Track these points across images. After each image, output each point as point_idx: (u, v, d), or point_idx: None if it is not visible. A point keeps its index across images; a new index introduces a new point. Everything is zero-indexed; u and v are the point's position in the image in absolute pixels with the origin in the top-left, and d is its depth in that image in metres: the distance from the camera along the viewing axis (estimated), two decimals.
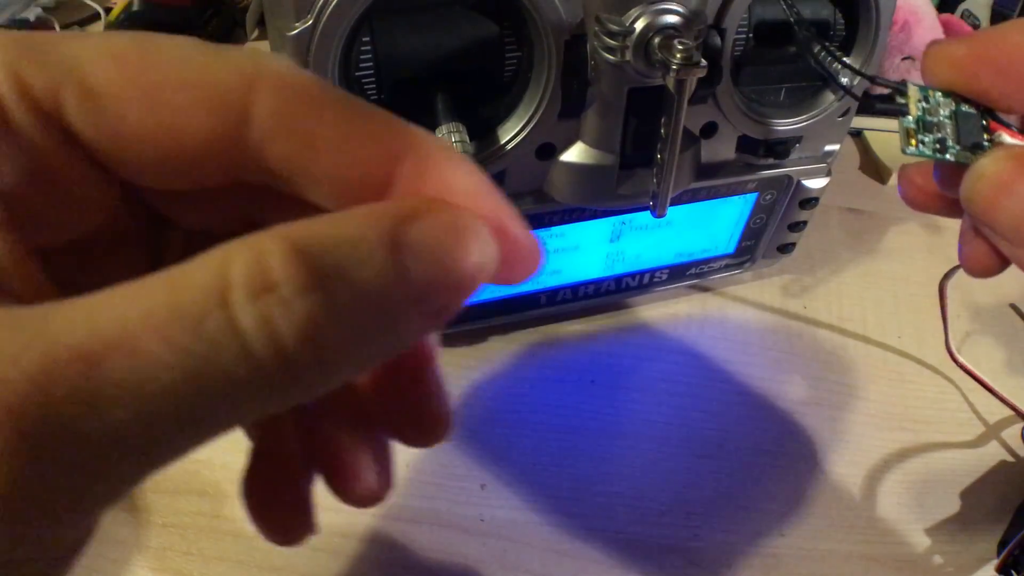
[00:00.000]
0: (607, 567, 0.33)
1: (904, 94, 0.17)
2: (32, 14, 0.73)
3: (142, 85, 0.11)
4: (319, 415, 0.15)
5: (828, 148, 0.39)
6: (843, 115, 0.37)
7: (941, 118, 0.16)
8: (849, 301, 0.46)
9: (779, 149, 0.37)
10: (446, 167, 0.12)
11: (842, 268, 0.49)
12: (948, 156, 0.16)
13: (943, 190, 0.17)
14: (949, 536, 0.35)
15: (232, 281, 0.10)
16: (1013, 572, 0.32)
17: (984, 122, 0.16)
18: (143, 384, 0.09)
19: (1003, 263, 0.17)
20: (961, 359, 0.39)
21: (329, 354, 0.10)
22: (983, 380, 0.39)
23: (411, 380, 0.14)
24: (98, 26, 0.69)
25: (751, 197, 0.40)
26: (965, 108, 0.16)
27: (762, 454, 0.38)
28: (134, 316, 0.10)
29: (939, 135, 0.16)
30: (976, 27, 0.70)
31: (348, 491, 0.15)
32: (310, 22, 0.26)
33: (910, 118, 0.16)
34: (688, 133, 0.34)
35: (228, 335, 0.10)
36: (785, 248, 0.45)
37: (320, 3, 0.26)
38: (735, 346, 0.43)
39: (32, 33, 0.11)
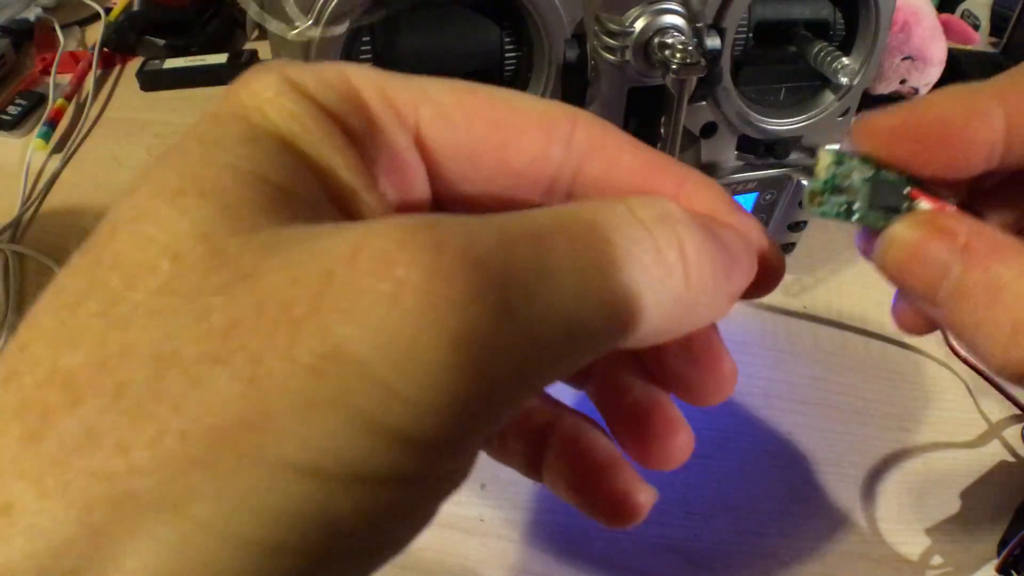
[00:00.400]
0: (607, 567, 0.33)
1: (815, 156, 0.17)
2: (32, 14, 0.73)
3: (486, 108, 0.14)
4: (626, 386, 0.17)
5: (828, 148, 0.39)
6: (843, 115, 0.37)
7: (855, 182, 0.16)
8: (849, 301, 0.46)
9: (779, 149, 0.37)
10: (712, 192, 0.16)
11: (842, 268, 0.49)
12: (853, 219, 0.16)
13: (863, 253, 0.17)
14: (949, 536, 0.35)
15: (634, 207, 0.13)
16: (1013, 572, 0.32)
17: (906, 190, 0.16)
18: (582, 266, 0.11)
19: (932, 324, 0.17)
20: (963, 352, 0.39)
21: (709, 285, 0.13)
22: (984, 372, 0.39)
23: (705, 341, 0.16)
24: (98, 26, 0.69)
25: (751, 197, 0.40)
26: (886, 174, 0.16)
27: (762, 454, 0.38)
28: (566, 215, 0.12)
29: (848, 198, 0.16)
30: (976, 27, 0.70)
31: (661, 450, 0.17)
32: (310, 22, 0.26)
33: (817, 180, 0.17)
34: (688, 133, 0.34)
35: (645, 241, 0.12)
36: (785, 248, 0.45)
37: (320, 3, 0.26)
38: (735, 346, 0.42)
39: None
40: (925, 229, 0.15)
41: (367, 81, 0.14)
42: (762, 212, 0.42)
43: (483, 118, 0.14)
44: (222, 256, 0.10)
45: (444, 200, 0.15)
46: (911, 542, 0.35)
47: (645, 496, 0.17)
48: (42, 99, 0.61)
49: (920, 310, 0.17)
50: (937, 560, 0.35)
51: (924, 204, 0.16)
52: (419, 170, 0.14)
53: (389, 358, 0.10)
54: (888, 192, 0.16)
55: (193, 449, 0.09)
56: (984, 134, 0.16)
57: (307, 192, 0.12)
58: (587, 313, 0.11)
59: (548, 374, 0.12)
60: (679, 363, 0.16)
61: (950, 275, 0.15)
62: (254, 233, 0.11)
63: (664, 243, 0.12)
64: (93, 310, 0.10)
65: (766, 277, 0.16)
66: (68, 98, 0.61)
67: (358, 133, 0.13)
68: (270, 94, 0.12)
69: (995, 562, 0.34)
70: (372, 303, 0.10)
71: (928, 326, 0.17)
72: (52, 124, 0.58)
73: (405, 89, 0.14)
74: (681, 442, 0.17)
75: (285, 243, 0.10)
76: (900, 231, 0.16)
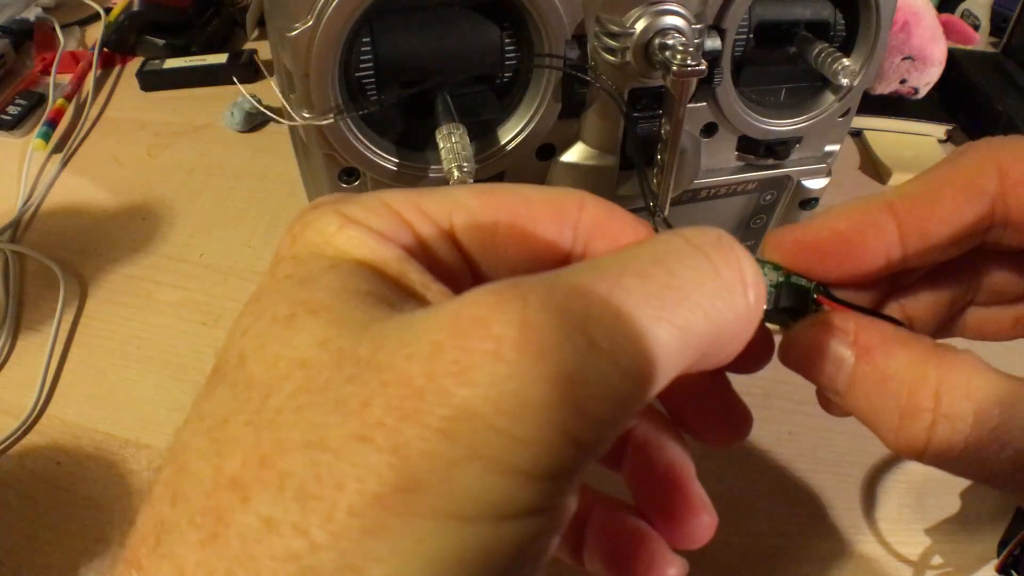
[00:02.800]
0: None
1: None
2: (32, 14, 0.73)
3: (506, 205, 0.16)
4: (654, 463, 0.19)
5: (828, 148, 0.39)
6: (843, 115, 0.37)
7: (767, 287, 0.18)
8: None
9: (779, 149, 0.37)
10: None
11: None
12: None
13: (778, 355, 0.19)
14: (949, 536, 0.35)
15: (689, 237, 0.14)
16: (1013, 572, 0.32)
17: (814, 295, 0.18)
18: (653, 300, 0.13)
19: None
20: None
21: (763, 300, 0.15)
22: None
23: (720, 389, 0.19)
24: (98, 26, 0.69)
25: (751, 197, 0.40)
26: (797, 280, 0.18)
27: (762, 454, 0.38)
28: (629, 257, 0.14)
29: None
30: (976, 27, 0.70)
31: (686, 527, 0.18)
32: (310, 22, 0.26)
33: None
34: (688, 133, 0.34)
35: (704, 265, 0.14)
36: None
37: (320, 3, 0.26)
38: None
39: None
40: (820, 328, 0.17)
41: (404, 202, 0.15)
42: (762, 212, 0.42)
43: (505, 214, 0.16)
44: (342, 353, 0.12)
45: None
46: (911, 542, 0.35)
47: (675, 570, 0.18)
48: (42, 99, 0.61)
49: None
50: (937, 560, 0.35)
51: (826, 309, 0.18)
52: (461, 266, 0.16)
53: (503, 409, 0.11)
54: (796, 296, 0.18)
55: (362, 519, 0.11)
56: (877, 244, 0.17)
57: (390, 293, 0.14)
58: (663, 340, 0.13)
59: (639, 397, 0.13)
60: (703, 413, 0.19)
61: (844, 368, 0.17)
62: (363, 330, 0.12)
63: (723, 264, 0.14)
64: (240, 421, 0.12)
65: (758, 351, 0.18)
66: (68, 98, 0.61)
67: (408, 245, 0.15)
68: (333, 229, 0.15)
69: (995, 562, 0.34)
70: (479, 363, 0.11)
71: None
72: (52, 124, 0.58)
73: (436, 201, 0.16)
74: (704, 523, 0.18)
75: (391, 330, 0.12)
76: (799, 330, 0.18)
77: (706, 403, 0.19)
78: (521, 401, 0.11)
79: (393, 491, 0.11)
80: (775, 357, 0.19)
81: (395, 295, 0.14)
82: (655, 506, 0.18)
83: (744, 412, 0.19)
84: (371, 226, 0.15)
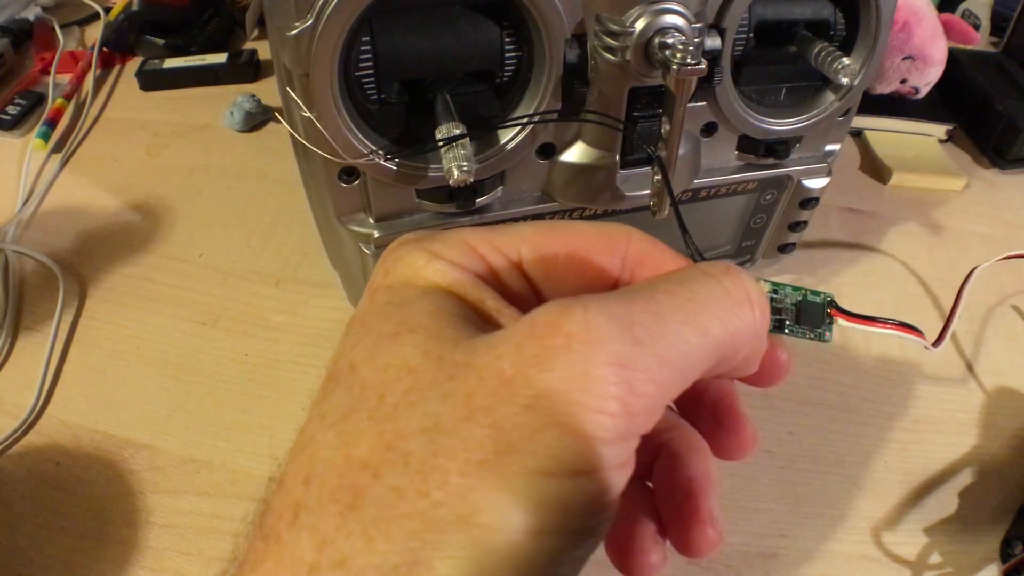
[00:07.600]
0: (607, 567, 0.33)
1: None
2: (32, 14, 0.73)
3: (565, 239, 0.19)
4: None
5: (828, 148, 0.39)
6: (843, 115, 0.37)
7: (787, 305, 0.22)
8: (849, 301, 0.46)
9: (779, 149, 0.37)
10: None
11: (842, 268, 0.49)
12: (785, 331, 0.22)
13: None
14: (949, 536, 0.35)
15: (703, 267, 0.17)
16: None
17: (827, 309, 0.22)
18: (679, 313, 0.16)
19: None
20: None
21: (769, 317, 0.18)
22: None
23: (730, 408, 0.21)
24: (97, 26, 0.69)
25: (751, 197, 0.40)
26: (812, 297, 0.22)
27: (762, 454, 0.38)
28: (661, 281, 0.17)
29: (782, 317, 0.22)
30: (977, 27, 0.70)
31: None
32: (310, 22, 0.26)
33: None
34: (688, 133, 0.34)
35: (716, 288, 0.16)
36: (785, 248, 0.45)
37: (320, 3, 0.26)
38: None
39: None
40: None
41: (480, 239, 0.18)
42: (762, 212, 0.42)
43: (564, 247, 0.19)
44: (442, 361, 0.15)
45: None
46: (911, 542, 0.35)
47: (657, 557, 0.20)
48: (41, 99, 0.61)
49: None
50: (937, 560, 0.35)
51: (842, 322, 0.22)
52: (527, 292, 0.19)
53: (575, 386, 0.14)
54: (813, 311, 0.22)
55: (470, 479, 0.13)
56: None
57: (471, 315, 0.17)
58: (689, 339, 0.16)
59: (675, 384, 0.15)
60: (710, 429, 0.21)
61: None
62: (456, 344, 0.15)
63: (731, 286, 0.17)
64: (363, 416, 0.15)
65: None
66: (67, 98, 0.61)
67: (483, 275, 0.18)
68: (422, 263, 0.17)
69: (996, 563, 0.34)
70: (554, 354, 0.14)
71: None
72: (51, 124, 0.58)
73: (506, 237, 0.19)
74: (707, 536, 0.20)
75: (480, 342, 0.15)
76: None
77: (720, 419, 0.21)
78: (588, 380, 0.14)
79: (493, 456, 0.13)
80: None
81: (475, 316, 0.17)
82: (670, 513, 0.20)
83: (752, 430, 0.21)
84: (453, 260, 0.18)
